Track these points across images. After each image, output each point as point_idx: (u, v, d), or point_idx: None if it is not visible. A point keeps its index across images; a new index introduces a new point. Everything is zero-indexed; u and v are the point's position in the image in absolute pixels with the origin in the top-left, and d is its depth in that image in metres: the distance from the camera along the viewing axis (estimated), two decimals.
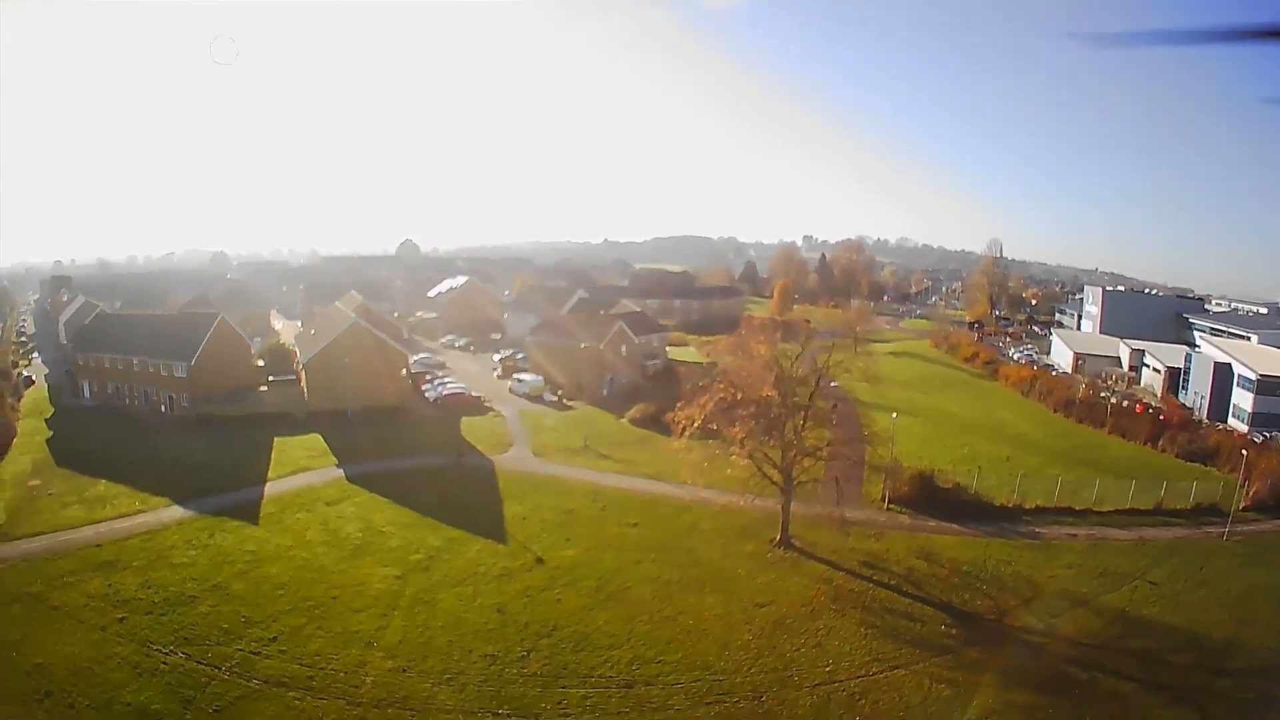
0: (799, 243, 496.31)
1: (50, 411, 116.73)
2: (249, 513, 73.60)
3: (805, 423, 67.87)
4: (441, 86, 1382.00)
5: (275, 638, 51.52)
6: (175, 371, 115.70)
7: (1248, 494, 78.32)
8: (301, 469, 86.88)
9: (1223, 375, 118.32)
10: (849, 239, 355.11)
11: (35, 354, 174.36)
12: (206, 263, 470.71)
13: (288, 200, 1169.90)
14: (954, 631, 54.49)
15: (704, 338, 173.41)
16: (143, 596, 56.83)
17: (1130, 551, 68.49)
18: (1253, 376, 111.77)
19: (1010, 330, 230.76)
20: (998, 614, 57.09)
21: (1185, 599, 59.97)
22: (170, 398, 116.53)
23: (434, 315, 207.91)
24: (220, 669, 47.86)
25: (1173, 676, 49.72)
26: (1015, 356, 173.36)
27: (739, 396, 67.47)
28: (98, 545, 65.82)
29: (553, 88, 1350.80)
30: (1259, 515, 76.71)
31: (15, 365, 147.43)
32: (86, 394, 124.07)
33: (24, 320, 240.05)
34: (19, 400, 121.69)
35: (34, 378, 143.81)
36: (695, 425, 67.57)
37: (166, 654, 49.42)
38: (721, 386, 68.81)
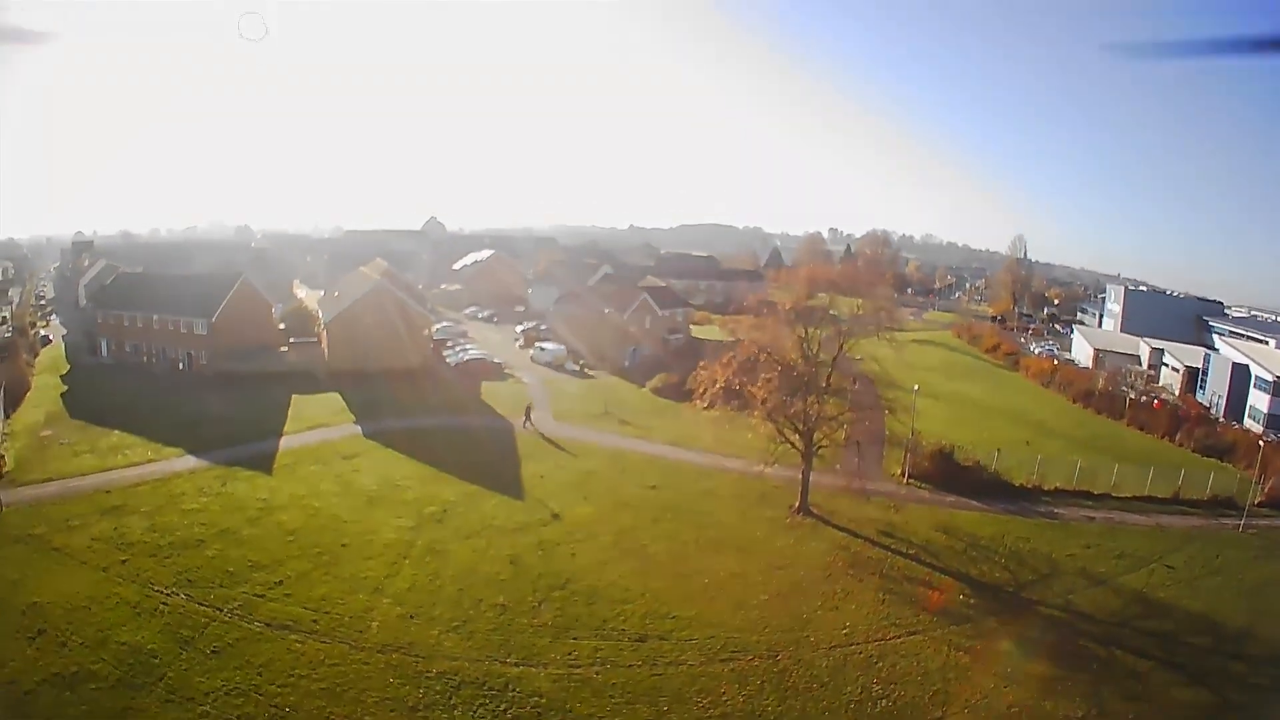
0: (824, 235, 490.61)
1: (67, 369, 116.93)
2: (263, 464, 73.28)
3: (828, 386, 67.38)
4: (469, 66, 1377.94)
5: (280, 582, 51.03)
6: (195, 329, 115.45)
7: (1263, 489, 77.31)
8: (319, 425, 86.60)
9: (1240, 376, 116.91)
10: (874, 230, 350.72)
11: (54, 316, 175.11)
12: (230, 235, 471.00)
13: (315, 178, 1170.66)
14: (972, 601, 53.80)
15: (728, 317, 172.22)
16: (148, 540, 56.41)
17: (1147, 536, 67.57)
18: (1270, 378, 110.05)
19: (1032, 326, 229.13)
20: (1015, 587, 56.42)
21: (1202, 585, 58.87)
22: (189, 355, 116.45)
23: (458, 287, 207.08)
24: (222, 610, 47.38)
25: (1190, 658, 48.68)
26: (1036, 351, 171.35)
27: (762, 357, 66.96)
28: (107, 491, 65.42)
29: (581, 71, 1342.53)
30: (1274, 512, 75.47)
31: (33, 326, 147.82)
32: (104, 352, 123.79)
33: (44, 285, 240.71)
34: (35, 357, 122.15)
35: (51, 337, 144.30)
36: (718, 386, 66.85)
37: (167, 595, 48.93)
38: (745, 343, 68.35)
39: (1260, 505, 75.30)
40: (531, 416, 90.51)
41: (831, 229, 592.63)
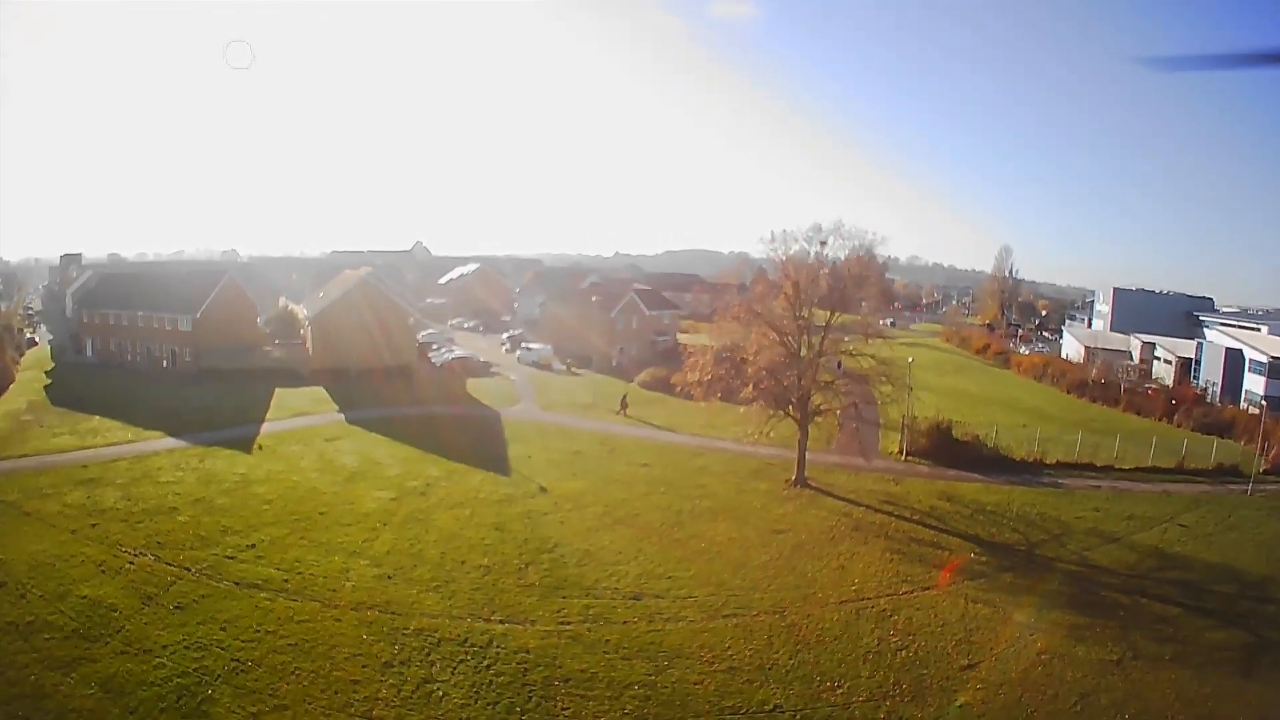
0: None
1: (51, 366, 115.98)
2: (243, 444, 71.78)
3: (821, 353, 65.64)
4: (456, 95, 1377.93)
5: (254, 545, 49.01)
6: (180, 325, 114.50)
7: (1267, 458, 76.44)
8: (302, 413, 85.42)
9: (1234, 361, 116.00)
10: (858, 244, 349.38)
11: (41, 325, 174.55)
12: (217, 258, 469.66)
13: (301, 205, 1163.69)
14: (985, 559, 51.93)
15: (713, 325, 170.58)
16: (121, 507, 54.63)
17: (1155, 500, 66.16)
18: (1264, 360, 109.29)
19: (1021, 332, 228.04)
20: (1028, 546, 54.54)
21: (1217, 540, 57.46)
22: (173, 351, 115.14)
23: (443, 300, 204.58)
24: (190, 570, 45.19)
25: (1217, 603, 46.97)
26: (1025, 352, 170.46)
27: (755, 327, 65.53)
28: (83, 465, 63.91)
29: (564, 99, 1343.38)
30: None
31: (20, 330, 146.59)
32: (89, 351, 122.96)
33: (32, 299, 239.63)
34: (21, 355, 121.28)
35: (37, 340, 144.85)
36: (710, 355, 65.06)
37: (135, 555, 46.90)
38: (737, 306, 67.14)
39: (1266, 473, 74.29)
40: (626, 406, 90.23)
41: (818, 252, 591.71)
